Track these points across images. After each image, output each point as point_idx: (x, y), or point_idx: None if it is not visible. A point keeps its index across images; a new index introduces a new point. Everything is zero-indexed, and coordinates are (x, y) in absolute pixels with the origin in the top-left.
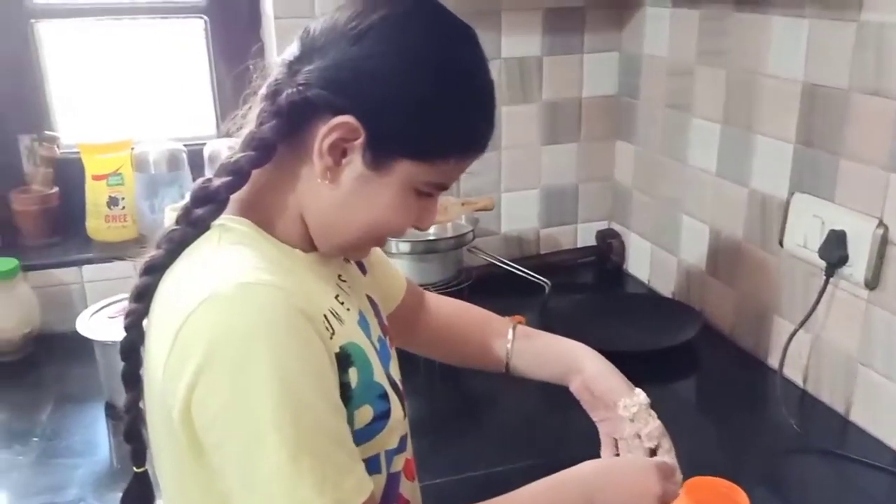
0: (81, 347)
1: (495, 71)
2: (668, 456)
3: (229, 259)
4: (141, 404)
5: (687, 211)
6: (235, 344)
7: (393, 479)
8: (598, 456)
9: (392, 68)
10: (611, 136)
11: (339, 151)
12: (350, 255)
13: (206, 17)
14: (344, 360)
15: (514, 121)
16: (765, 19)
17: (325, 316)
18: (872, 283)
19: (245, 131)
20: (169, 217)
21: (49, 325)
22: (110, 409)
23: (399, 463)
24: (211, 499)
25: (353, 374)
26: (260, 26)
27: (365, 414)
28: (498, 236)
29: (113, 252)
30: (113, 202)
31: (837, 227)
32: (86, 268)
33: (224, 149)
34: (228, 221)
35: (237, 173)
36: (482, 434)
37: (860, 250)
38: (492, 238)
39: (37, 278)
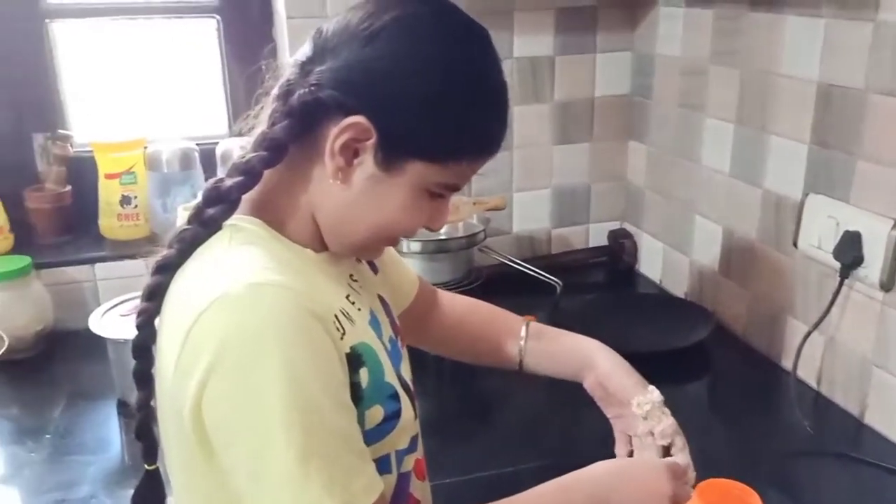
0: (94, 345)
1: (507, 71)
2: (681, 454)
3: (240, 259)
4: (153, 402)
5: (700, 211)
6: (245, 344)
7: (403, 479)
8: (609, 455)
9: (404, 69)
10: (623, 136)
11: (350, 152)
12: (362, 255)
13: (218, 17)
14: (354, 360)
15: (525, 120)
16: (780, 19)
17: (335, 316)
18: (888, 284)
19: (257, 131)
20: (181, 216)
21: (62, 323)
22: (122, 407)
23: (409, 463)
24: (221, 497)
25: (363, 375)
26: (272, 26)
27: (375, 414)
28: (509, 236)
29: (125, 250)
30: (125, 201)
31: (852, 229)
32: (98, 266)
33: (236, 148)
34: (240, 221)
35: (249, 173)
36: (493, 434)
37: (875, 252)
38: (503, 238)
39: (50, 276)
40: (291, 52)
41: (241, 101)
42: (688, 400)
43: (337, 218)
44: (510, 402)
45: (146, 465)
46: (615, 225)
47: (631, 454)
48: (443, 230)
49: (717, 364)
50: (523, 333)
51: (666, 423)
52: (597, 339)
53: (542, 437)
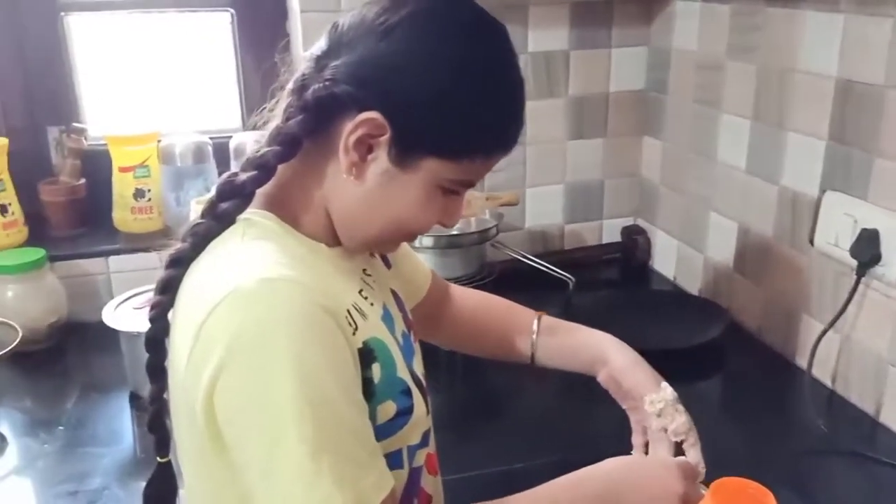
0: (107, 337)
1: (521, 65)
2: (692, 450)
3: (253, 254)
4: (165, 395)
5: (715, 208)
6: (257, 339)
7: (415, 474)
8: (622, 450)
9: (420, 65)
10: (638, 132)
11: (364, 147)
12: (375, 249)
13: (232, 11)
14: (367, 355)
15: (539, 115)
16: (798, 14)
17: (347, 311)
18: None
19: (272, 125)
20: (195, 210)
21: (75, 315)
22: (135, 399)
23: (421, 458)
24: (232, 491)
25: (375, 370)
26: (286, 20)
27: (387, 409)
28: (522, 231)
29: (139, 243)
30: (139, 194)
31: (870, 226)
32: (112, 259)
33: (249, 142)
34: (253, 216)
35: (263, 168)
36: (504, 429)
37: (893, 250)
38: (516, 233)
39: (64, 269)
40: (305, 46)
41: (254, 95)
42: (702, 398)
43: (350, 213)
44: (522, 397)
45: (158, 458)
46: (629, 221)
47: (647, 445)
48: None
49: (731, 362)
50: (535, 327)
51: (679, 420)
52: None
53: (554, 432)
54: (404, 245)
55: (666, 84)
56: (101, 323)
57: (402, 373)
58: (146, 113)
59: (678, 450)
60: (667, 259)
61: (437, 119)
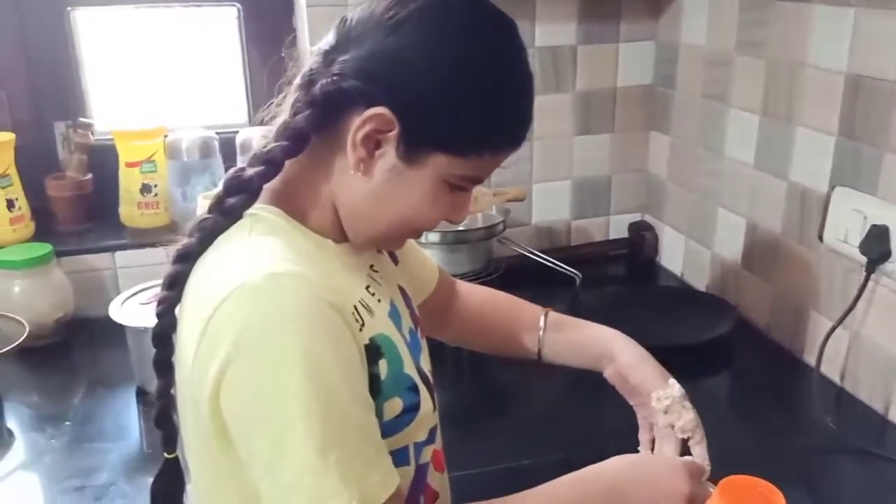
0: (114, 333)
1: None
2: (698, 447)
3: (260, 249)
4: (172, 391)
5: (723, 204)
6: (264, 334)
7: (421, 471)
8: (629, 448)
9: (428, 60)
10: (645, 127)
11: (372, 143)
12: (382, 246)
13: (238, 6)
14: (373, 351)
15: (546, 111)
16: (807, 8)
17: (354, 307)
18: None
19: (279, 120)
20: (202, 205)
21: (82, 311)
22: (141, 395)
23: (428, 454)
24: (238, 487)
25: (382, 366)
26: (293, 15)
27: (394, 406)
28: (529, 227)
29: (145, 238)
30: (146, 189)
31: (880, 222)
32: (118, 254)
33: (256, 137)
34: (260, 211)
35: (270, 163)
36: (510, 426)
37: None
38: (522, 229)
39: (70, 264)
40: (312, 41)
41: (260, 89)
42: (709, 395)
43: (358, 209)
44: (528, 394)
45: (165, 454)
46: (636, 217)
47: (654, 441)
48: None
49: (739, 359)
50: (542, 323)
51: (686, 417)
52: None
53: (560, 429)
54: (411, 241)
55: (674, 79)
56: (108, 318)
57: (409, 369)
58: (153, 108)
59: (684, 447)
60: (674, 255)
61: (446, 115)
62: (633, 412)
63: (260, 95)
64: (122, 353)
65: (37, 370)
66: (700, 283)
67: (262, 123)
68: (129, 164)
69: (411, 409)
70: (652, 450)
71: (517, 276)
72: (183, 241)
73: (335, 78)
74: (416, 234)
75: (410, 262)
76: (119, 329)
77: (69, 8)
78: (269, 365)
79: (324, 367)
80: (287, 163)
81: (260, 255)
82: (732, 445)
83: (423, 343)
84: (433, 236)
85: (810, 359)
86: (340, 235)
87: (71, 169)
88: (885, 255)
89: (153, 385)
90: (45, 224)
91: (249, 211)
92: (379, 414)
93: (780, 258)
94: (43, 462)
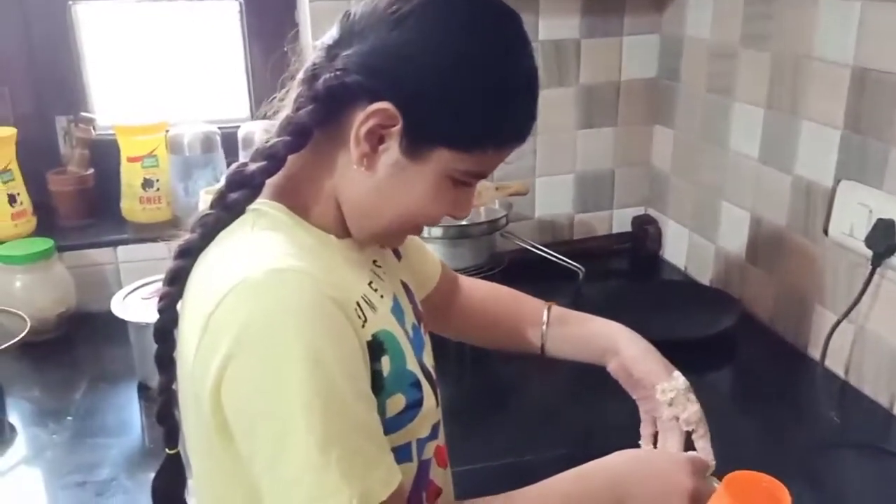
0: (115, 327)
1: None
2: (702, 442)
3: (262, 245)
4: (174, 386)
5: (727, 197)
6: (266, 330)
7: (424, 467)
8: (631, 443)
9: (432, 55)
10: (649, 121)
11: (376, 138)
12: (384, 242)
13: (240, 0)
14: (376, 348)
15: (550, 105)
16: (813, 0)
17: (357, 304)
18: None
19: (282, 115)
20: (204, 200)
21: (84, 305)
22: (143, 390)
23: (430, 450)
24: (240, 483)
25: (385, 363)
26: (295, 9)
27: (397, 402)
28: (531, 221)
29: (147, 233)
30: (147, 184)
31: (886, 216)
32: (120, 249)
33: (258, 131)
34: (263, 206)
35: (273, 158)
36: (513, 421)
37: None
38: (525, 223)
39: (72, 259)
40: (314, 35)
41: (262, 84)
42: (713, 389)
43: (361, 204)
44: (531, 389)
45: (167, 450)
46: (639, 210)
47: (656, 435)
48: None
49: (743, 353)
50: (545, 318)
51: (691, 409)
52: None
53: (563, 424)
54: (414, 236)
55: (678, 72)
56: (110, 313)
57: (412, 365)
58: (154, 102)
59: (688, 442)
60: (678, 249)
61: (450, 110)
62: (636, 407)
63: (262, 89)
64: (123, 348)
65: (38, 365)
66: (704, 277)
67: (264, 118)
68: (131, 159)
69: (414, 406)
70: (654, 445)
71: (520, 270)
72: (185, 236)
73: (338, 73)
74: (418, 230)
75: (413, 256)
76: (121, 324)
77: (71, 2)
78: (271, 361)
79: (325, 363)
80: (290, 158)
81: (262, 251)
82: (736, 440)
83: (426, 339)
84: (436, 231)
85: (815, 353)
86: (343, 231)
87: (73, 164)
88: (891, 250)
89: (155, 380)
90: (46, 219)
91: (252, 206)
92: (381, 410)
93: (785, 252)
94: (45, 457)
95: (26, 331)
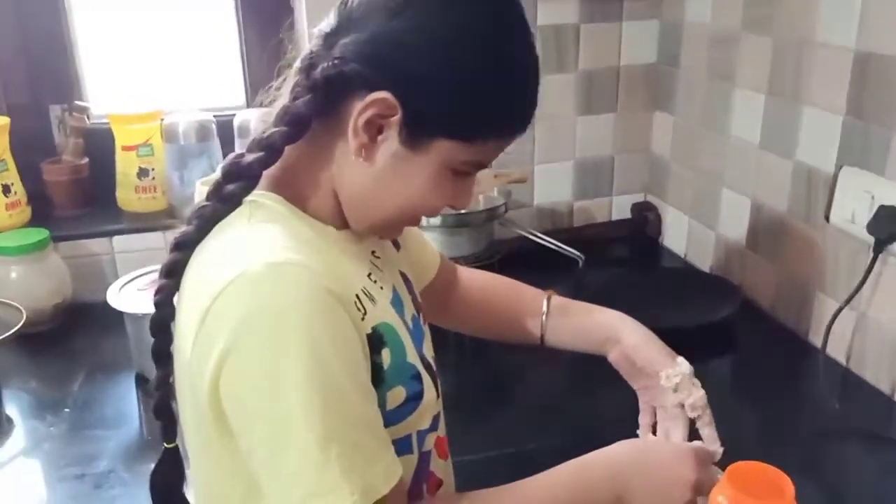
0: (112, 318)
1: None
2: (707, 428)
3: (260, 237)
4: (171, 380)
5: (727, 184)
6: (263, 325)
7: (424, 459)
8: (631, 432)
9: (432, 43)
10: (649, 107)
11: (374, 128)
12: (383, 234)
13: None
14: (376, 340)
15: (549, 91)
16: None
17: (356, 296)
18: None
19: (279, 104)
20: (200, 192)
21: (80, 296)
22: (140, 381)
23: (431, 442)
24: (239, 477)
25: (385, 356)
26: None
27: (397, 395)
28: (530, 209)
29: (143, 223)
30: (143, 173)
31: (888, 203)
32: (116, 238)
33: (254, 119)
34: (260, 198)
35: (270, 149)
36: (513, 411)
37: None
38: (524, 210)
39: (67, 249)
40: (310, 22)
41: (258, 71)
42: (713, 377)
43: (359, 196)
44: (531, 378)
45: (165, 444)
46: (639, 197)
47: (654, 426)
48: None
49: (743, 340)
50: (544, 308)
51: (696, 395)
52: None
53: (563, 413)
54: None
55: (678, 58)
56: (106, 304)
57: (412, 358)
58: (149, 90)
59: (692, 426)
60: (678, 236)
61: (450, 99)
62: (636, 396)
63: (258, 77)
64: (120, 339)
65: (35, 357)
66: (704, 264)
67: (260, 106)
68: (126, 148)
69: (414, 398)
70: (654, 433)
71: (519, 258)
72: (181, 228)
73: (336, 62)
74: (417, 222)
75: (412, 247)
76: (117, 315)
77: None
78: (269, 355)
79: (324, 357)
80: (287, 148)
81: (259, 244)
82: (737, 428)
83: (426, 330)
84: (434, 219)
85: (815, 340)
86: (341, 222)
87: (67, 153)
88: (894, 237)
89: (152, 371)
90: (41, 209)
91: (249, 198)
92: (381, 403)
93: (786, 239)
94: (42, 449)
95: (22, 322)
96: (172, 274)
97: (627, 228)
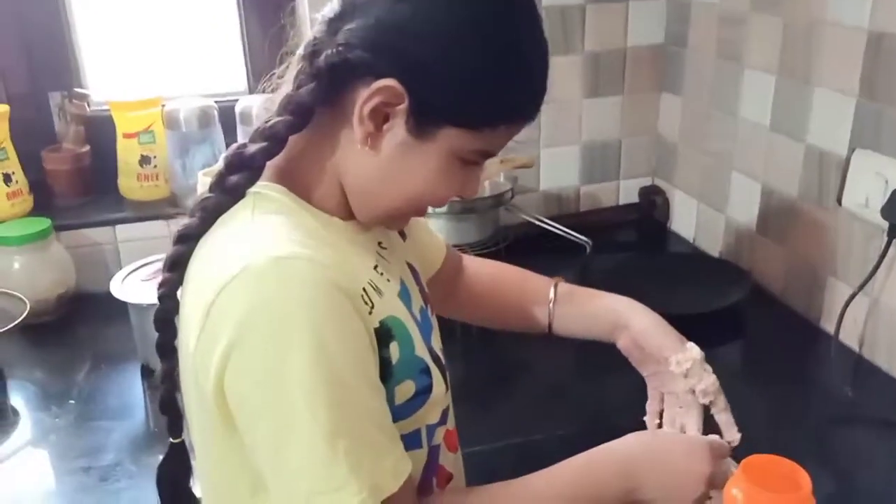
0: (116, 308)
1: None
2: (723, 414)
3: (264, 230)
4: (176, 374)
5: (737, 167)
6: (269, 321)
7: (434, 453)
8: (639, 420)
9: (440, 29)
10: (656, 88)
11: (380, 117)
12: (388, 224)
13: None
14: (384, 335)
15: (554, 73)
16: None
17: (363, 289)
18: None
19: (282, 91)
20: (202, 183)
21: (83, 286)
22: (145, 371)
23: (440, 435)
24: (245, 471)
25: (393, 350)
26: None
27: (406, 389)
28: (537, 194)
29: (146, 211)
30: (145, 161)
31: None
32: (119, 227)
33: (256, 105)
34: (264, 189)
35: (273, 139)
36: (521, 400)
37: None
38: (530, 196)
39: (70, 238)
40: (312, 6)
41: (259, 56)
42: (723, 364)
43: (365, 186)
44: (539, 368)
45: (171, 439)
46: (647, 181)
47: (661, 414)
48: None
49: (753, 326)
50: (552, 296)
51: (708, 380)
52: None
53: (571, 403)
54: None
55: (686, 38)
56: (110, 293)
57: (421, 351)
58: (149, 76)
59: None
60: (686, 220)
61: (458, 87)
62: (644, 384)
63: (259, 62)
64: (125, 329)
65: (40, 348)
66: (713, 248)
67: (263, 91)
68: (127, 136)
69: (423, 392)
70: (660, 422)
71: (526, 244)
72: (184, 221)
73: (340, 48)
74: (424, 212)
75: (417, 236)
76: (122, 305)
77: None
78: (272, 351)
79: (330, 351)
80: (291, 138)
81: (263, 237)
82: (747, 416)
83: (434, 321)
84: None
85: (827, 326)
86: (347, 213)
87: (68, 141)
88: None
89: (157, 362)
90: (43, 198)
91: (252, 189)
92: (390, 398)
93: (797, 223)
94: (48, 441)
95: (26, 313)
96: (176, 267)
97: (635, 213)
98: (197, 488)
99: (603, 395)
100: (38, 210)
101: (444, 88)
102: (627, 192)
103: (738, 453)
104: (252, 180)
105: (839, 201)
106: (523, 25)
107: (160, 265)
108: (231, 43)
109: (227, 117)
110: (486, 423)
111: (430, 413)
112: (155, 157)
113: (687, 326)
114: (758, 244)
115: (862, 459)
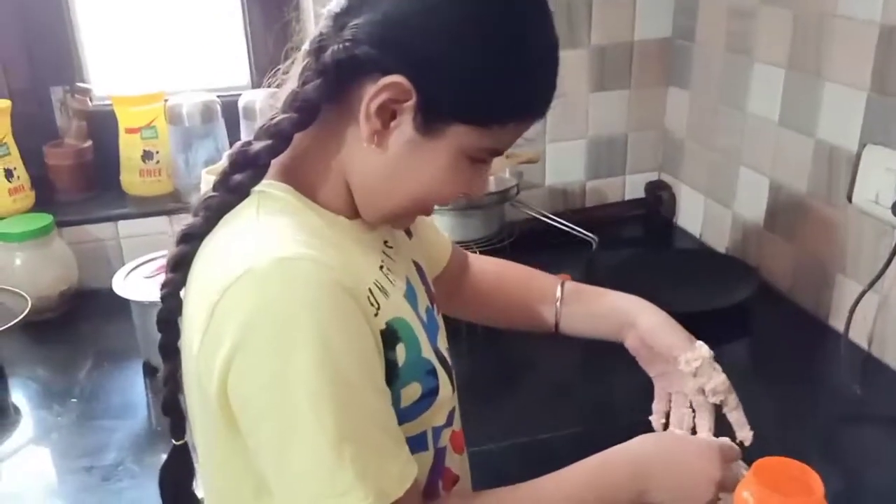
0: (119, 305)
1: None
2: (735, 413)
3: (268, 231)
4: (179, 375)
5: (745, 162)
6: (273, 323)
7: (440, 455)
8: (645, 420)
9: (448, 25)
10: (663, 83)
11: (387, 114)
12: (395, 223)
13: None
14: (390, 336)
15: (560, 67)
16: None
17: (369, 290)
18: None
19: (287, 87)
20: (206, 181)
21: (86, 282)
22: (148, 369)
23: (446, 437)
24: (248, 474)
25: (400, 351)
26: None
27: (412, 392)
28: (542, 189)
29: (148, 207)
30: (147, 156)
31: None
32: (121, 223)
33: (259, 100)
34: (268, 188)
35: (278, 136)
36: (527, 400)
37: None
38: (536, 191)
39: (72, 234)
40: (316, 0)
41: (262, 50)
42: (730, 363)
43: (371, 184)
44: (545, 367)
45: (174, 441)
46: (653, 176)
47: (668, 414)
48: None
49: (760, 324)
50: (558, 294)
51: (717, 379)
52: None
53: (577, 402)
54: None
55: (693, 31)
56: (113, 290)
57: (427, 352)
58: (152, 71)
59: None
60: (693, 216)
61: (467, 83)
62: (651, 383)
63: (262, 56)
64: (127, 326)
65: (41, 345)
66: (720, 244)
67: (268, 86)
68: (129, 131)
69: (430, 394)
70: (665, 423)
71: (531, 240)
72: (187, 220)
73: (347, 44)
74: (430, 211)
75: (424, 234)
76: (124, 302)
77: None
78: (276, 353)
79: (334, 353)
80: (296, 135)
81: (269, 238)
82: (756, 415)
83: (440, 321)
84: None
85: (835, 324)
86: (352, 211)
87: (70, 136)
88: None
89: (160, 360)
90: (45, 194)
91: (257, 188)
92: (396, 401)
93: (806, 219)
94: (50, 440)
95: (28, 310)
96: (179, 267)
97: (641, 208)
98: (200, 491)
99: (609, 394)
100: (39, 206)
101: (452, 85)
102: (634, 187)
103: (747, 454)
104: (256, 179)
105: (849, 198)
106: (534, 21)
107: (163, 261)
108: (234, 37)
109: (231, 112)
110: (492, 422)
111: (437, 415)
112: (157, 152)
113: (693, 324)
114: (765, 240)
115: (871, 458)
